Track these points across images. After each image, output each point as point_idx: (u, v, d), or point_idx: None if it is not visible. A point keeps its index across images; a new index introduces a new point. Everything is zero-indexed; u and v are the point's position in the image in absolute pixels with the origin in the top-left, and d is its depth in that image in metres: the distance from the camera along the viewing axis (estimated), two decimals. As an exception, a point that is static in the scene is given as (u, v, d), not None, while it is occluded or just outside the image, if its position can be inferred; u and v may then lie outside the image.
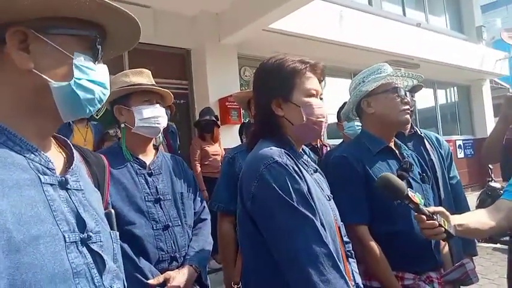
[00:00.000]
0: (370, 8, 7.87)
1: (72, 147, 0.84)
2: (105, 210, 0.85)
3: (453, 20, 10.39)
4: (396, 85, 1.59)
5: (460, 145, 10.20)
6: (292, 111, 1.19)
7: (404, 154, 1.63)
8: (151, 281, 1.40)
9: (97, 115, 4.81)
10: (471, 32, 10.30)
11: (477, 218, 1.42)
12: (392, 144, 1.64)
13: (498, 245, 5.04)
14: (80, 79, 0.72)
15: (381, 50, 7.01)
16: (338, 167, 1.53)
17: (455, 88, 10.96)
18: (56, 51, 0.71)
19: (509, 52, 10.96)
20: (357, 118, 1.77)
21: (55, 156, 0.78)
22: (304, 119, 1.18)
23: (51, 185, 0.71)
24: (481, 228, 1.37)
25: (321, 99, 1.25)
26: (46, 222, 0.66)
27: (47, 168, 0.72)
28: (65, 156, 0.81)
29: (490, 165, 6.42)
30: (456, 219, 1.33)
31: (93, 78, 0.75)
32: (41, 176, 0.70)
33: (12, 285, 0.58)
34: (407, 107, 1.58)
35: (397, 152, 1.62)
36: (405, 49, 7.54)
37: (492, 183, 5.72)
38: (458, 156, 10.01)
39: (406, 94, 1.59)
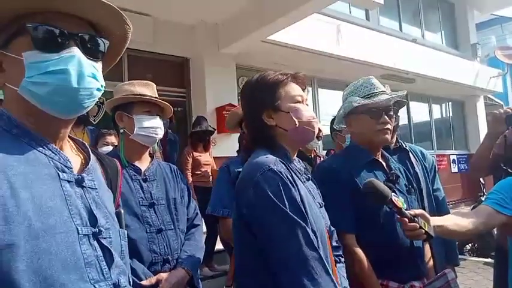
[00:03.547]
0: (368, 23, 8.01)
1: (90, 150, 0.90)
2: (116, 210, 0.90)
3: (448, 37, 10.58)
4: (371, 106, 1.59)
5: (454, 160, 10.30)
6: (283, 118, 1.25)
7: (392, 166, 1.68)
8: (144, 282, 1.44)
9: (94, 120, 4.78)
10: (466, 49, 10.48)
11: (456, 220, 1.48)
12: (379, 156, 1.69)
13: (489, 260, 5.07)
14: (31, 76, 0.73)
15: (377, 64, 7.13)
16: (326, 176, 1.57)
17: (449, 103, 11.11)
18: (12, 60, 0.74)
19: (503, 69, 11.16)
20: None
21: (73, 157, 0.84)
22: (296, 122, 1.24)
23: (69, 181, 0.76)
24: (459, 230, 1.44)
25: (307, 105, 1.32)
26: (62, 214, 0.71)
27: (65, 166, 0.78)
28: (82, 157, 0.87)
29: (482, 180, 6.48)
30: (436, 221, 1.40)
31: (46, 69, 0.73)
32: (59, 173, 0.75)
33: (30, 268, 0.64)
34: (386, 126, 1.59)
35: (384, 164, 1.67)
36: (401, 64, 7.66)
37: (483, 198, 5.77)
38: (452, 171, 10.11)
39: (383, 114, 1.58)
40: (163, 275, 1.49)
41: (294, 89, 1.29)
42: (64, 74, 0.74)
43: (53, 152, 0.77)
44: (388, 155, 1.75)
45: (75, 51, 0.76)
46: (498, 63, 11.28)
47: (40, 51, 0.74)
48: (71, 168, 0.79)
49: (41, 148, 0.75)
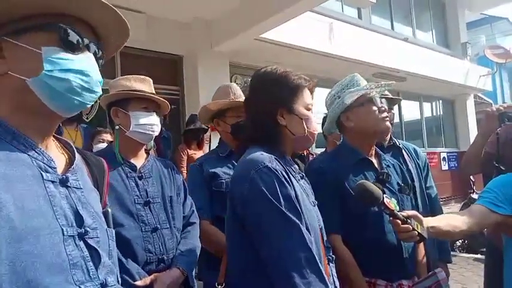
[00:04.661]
0: (360, 21, 8.04)
1: (74, 149, 0.89)
2: (103, 209, 0.89)
3: (439, 36, 10.67)
4: (371, 96, 1.62)
5: (444, 157, 10.42)
6: (294, 122, 1.25)
7: (383, 164, 1.68)
8: (138, 283, 1.42)
9: (87, 118, 4.74)
10: (456, 48, 10.58)
11: (449, 221, 1.48)
12: (373, 154, 1.70)
13: (479, 256, 5.15)
14: (50, 71, 0.74)
15: (368, 62, 7.16)
16: (314, 177, 1.55)
17: (440, 102, 11.21)
18: (26, 50, 0.74)
19: (492, 68, 11.29)
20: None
21: (57, 156, 0.82)
22: (306, 130, 1.25)
23: (52, 182, 0.75)
24: (452, 231, 1.44)
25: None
26: (46, 215, 0.70)
27: (49, 166, 0.77)
28: (66, 156, 0.86)
29: (471, 178, 6.56)
30: (429, 222, 1.39)
31: (67, 67, 0.76)
32: (43, 173, 0.74)
33: (13, 271, 0.63)
34: (385, 114, 1.63)
35: (375, 162, 1.67)
36: (392, 62, 7.71)
37: (473, 195, 5.85)
38: (443, 169, 10.21)
39: (381, 101, 1.64)
40: (158, 275, 1.47)
41: (309, 96, 1.30)
42: (84, 75, 0.77)
43: (36, 152, 0.76)
44: (381, 152, 1.76)
45: (90, 55, 0.81)
46: (488, 62, 11.42)
47: (62, 49, 0.76)
48: (55, 168, 0.78)
49: (23, 148, 0.74)
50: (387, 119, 1.64)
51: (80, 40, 0.79)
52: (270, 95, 1.27)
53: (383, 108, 1.62)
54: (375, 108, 1.61)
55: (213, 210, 1.87)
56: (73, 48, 0.77)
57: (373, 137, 1.69)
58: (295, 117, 1.25)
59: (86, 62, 0.78)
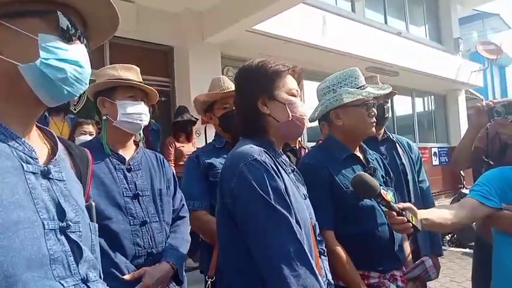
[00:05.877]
0: (353, 15, 8.03)
1: (57, 139, 0.86)
2: (86, 202, 0.86)
3: (432, 31, 10.72)
4: (367, 100, 1.62)
5: (435, 152, 10.53)
6: (277, 109, 1.24)
7: (369, 159, 1.71)
8: (126, 277, 1.39)
9: (75, 109, 4.69)
10: (449, 43, 10.65)
11: (442, 214, 1.52)
12: (358, 149, 1.71)
13: (467, 250, 5.23)
14: (47, 59, 0.72)
15: (361, 56, 7.17)
16: (305, 173, 1.54)
17: (432, 97, 11.30)
18: (20, 35, 0.72)
19: (483, 64, 11.39)
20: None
21: (39, 147, 0.79)
22: (290, 115, 1.23)
23: (34, 173, 0.72)
24: (444, 223, 1.49)
25: (301, 100, 1.31)
26: (26, 208, 0.67)
27: (30, 157, 0.74)
28: (49, 147, 0.83)
29: (462, 173, 6.64)
30: (423, 214, 1.42)
31: (63, 57, 0.74)
32: (23, 164, 0.71)
33: None
34: (374, 120, 1.65)
35: (361, 157, 1.69)
36: (385, 56, 7.73)
37: (464, 190, 5.92)
38: (433, 163, 10.32)
39: (374, 106, 1.65)
40: (147, 269, 1.44)
41: (291, 82, 1.28)
42: (78, 66, 0.77)
43: (17, 142, 0.73)
44: (365, 146, 1.77)
45: (82, 47, 0.80)
46: (479, 58, 11.51)
47: (59, 38, 0.75)
48: (37, 159, 0.75)
49: (3, 137, 0.71)
50: (374, 124, 1.65)
51: (75, 30, 0.77)
52: (250, 86, 1.28)
53: (373, 113, 1.63)
54: (367, 112, 1.62)
55: (210, 201, 1.85)
56: (69, 38, 0.76)
57: (359, 138, 1.71)
58: (277, 103, 1.24)
59: (80, 53, 0.77)
